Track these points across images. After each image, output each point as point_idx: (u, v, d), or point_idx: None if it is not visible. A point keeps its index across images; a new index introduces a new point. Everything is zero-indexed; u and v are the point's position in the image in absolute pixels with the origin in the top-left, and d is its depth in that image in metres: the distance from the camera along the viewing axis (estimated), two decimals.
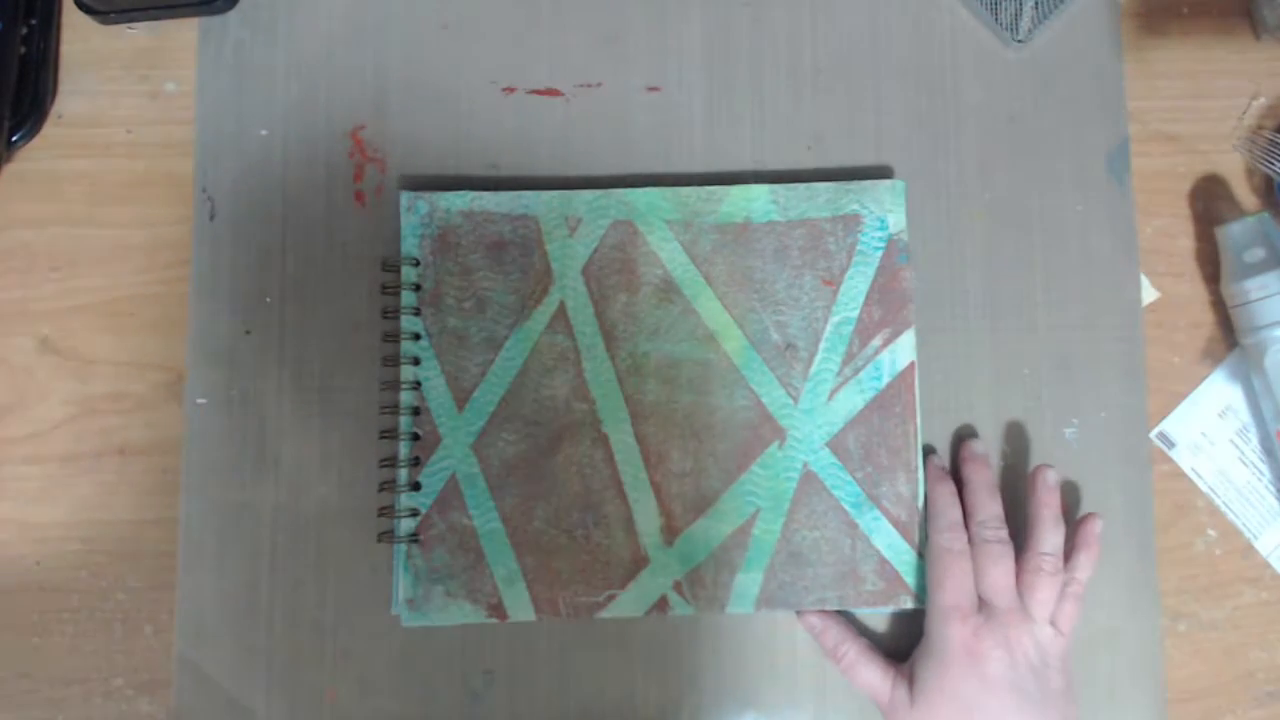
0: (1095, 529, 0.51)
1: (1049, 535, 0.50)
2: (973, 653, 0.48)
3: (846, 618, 0.53)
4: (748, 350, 0.54)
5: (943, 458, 0.54)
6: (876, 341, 0.54)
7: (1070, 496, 0.54)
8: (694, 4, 0.57)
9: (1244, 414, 0.56)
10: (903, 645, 0.53)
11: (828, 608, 0.53)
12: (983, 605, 0.49)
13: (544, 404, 0.54)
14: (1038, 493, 0.51)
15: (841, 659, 0.52)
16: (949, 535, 0.51)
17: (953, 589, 0.49)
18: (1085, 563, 0.51)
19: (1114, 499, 0.54)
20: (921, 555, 0.53)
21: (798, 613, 0.53)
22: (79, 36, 0.57)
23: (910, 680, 0.50)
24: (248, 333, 0.55)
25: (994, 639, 0.48)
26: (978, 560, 0.50)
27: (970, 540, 0.51)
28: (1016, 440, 0.55)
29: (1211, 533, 0.55)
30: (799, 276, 0.54)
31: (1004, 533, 0.51)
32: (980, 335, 0.55)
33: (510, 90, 0.57)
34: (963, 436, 0.54)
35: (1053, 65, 0.57)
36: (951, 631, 0.49)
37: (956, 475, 0.53)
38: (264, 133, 0.56)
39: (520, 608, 0.52)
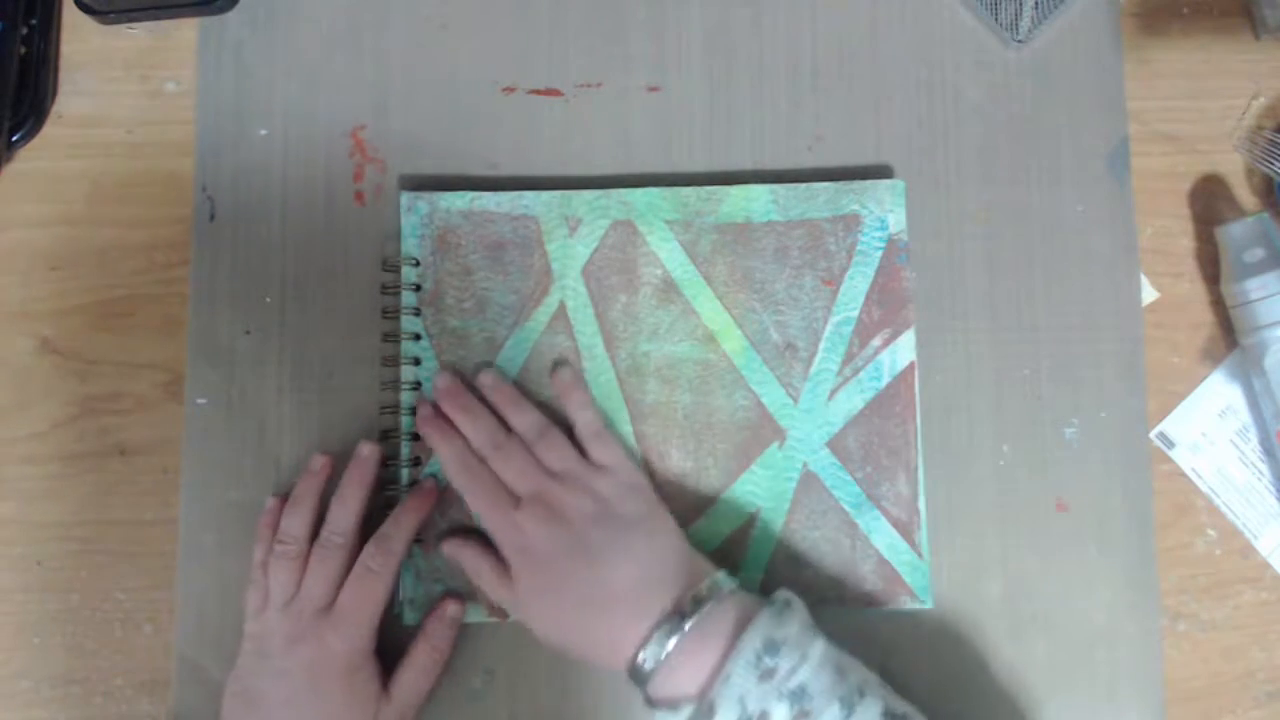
0: (562, 377, 0.53)
1: (517, 416, 0.52)
2: (523, 545, 0.49)
3: None
4: (748, 350, 0.54)
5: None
6: (876, 341, 0.54)
7: (1071, 496, 0.54)
8: (694, 4, 0.57)
9: (1244, 414, 0.56)
10: (903, 645, 0.53)
11: (827, 607, 0.52)
12: (521, 499, 0.50)
13: (544, 404, 0.54)
14: (487, 398, 0.52)
15: (477, 577, 0.51)
16: (456, 465, 0.51)
17: (481, 503, 0.50)
18: (574, 408, 0.52)
19: (1114, 499, 0.54)
20: (923, 558, 0.53)
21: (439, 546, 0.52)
22: (79, 36, 0.57)
23: (513, 594, 0.50)
24: (248, 333, 0.55)
25: (536, 520, 0.49)
26: (493, 469, 0.51)
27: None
28: (1016, 440, 0.55)
29: (1211, 533, 0.55)
30: (799, 276, 0.54)
31: (499, 435, 0.51)
32: (980, 335, 0.55)
33: (510, 90, 0.57)
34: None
35: (1053, 65, 0.57)
36: (501, 539, 0.50)
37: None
38: (264, 133, 0.56)
39: None
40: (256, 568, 0.51)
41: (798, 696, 0.43)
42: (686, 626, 0.45)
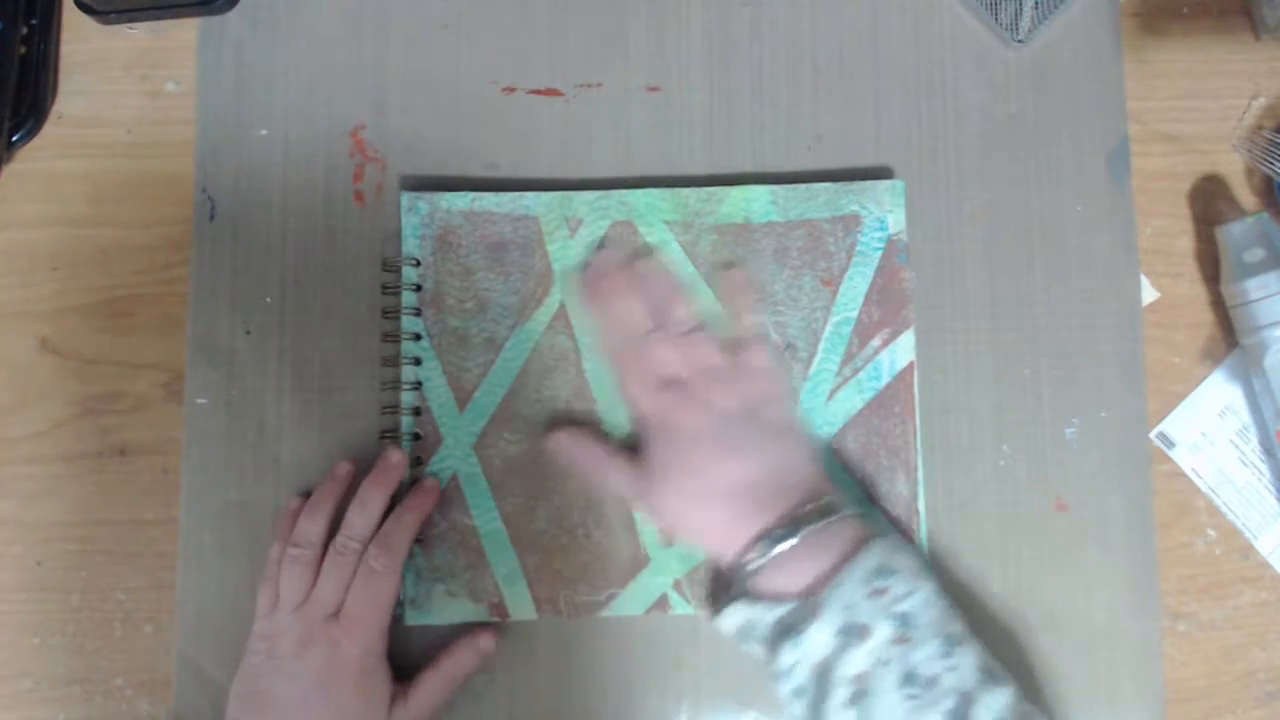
0: (734, 279, 0.54)
1: (671, 309, 0.52)
2: (665, 424, 0.50)
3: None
4: None
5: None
6: (876, 342, 0.54)
7: (1071, 497, 0.54)
8: (694, 4, 0.57)
9: (1244, 414, 0.56)
10: None
11: None
12: (668, 384, 0.50)
13: (545, 404, 0.54)
14: (646, 287, 0.53)
15: (588, 467, 0.52)
16: (609, 346, 0.53)
17: (629, 382, 0.52)
18: (738, 310, 0.53)
19: (1114, 499, 0.54)
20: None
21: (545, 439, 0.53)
22: (79, 36, 0.57)
23: (639, 472, 0.50)
24: (248, 333, 0.55)
25: (681, 404, 0.50)
26: (644, 354, 0.51)
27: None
28: (1016, 440, 0.55)
29: (1211, 533, 0.55)
30: (798, 277, 0.54)
31: (650, 323, 0.52)
32: (980, 335, 0.55)
33: (510, 90, 0.57)
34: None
35: (1053, 65, 0.57)
36: (643, 415, 0.51)
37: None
38: (264, 133, 0.56)
39: (521, 607, 0.52)
40: (271, 565, 0.51)
41: (902, 622, 0.44)
42: (805, 531, 0.46)
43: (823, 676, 0.44)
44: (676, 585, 0.53)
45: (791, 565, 0.46)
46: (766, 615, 0.46)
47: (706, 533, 0.49)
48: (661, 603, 0.53)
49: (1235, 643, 0.55)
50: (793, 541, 0.46)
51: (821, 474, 0.50)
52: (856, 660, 0.44)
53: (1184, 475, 0.56)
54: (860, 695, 0.44)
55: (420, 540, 0.52)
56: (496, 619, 0.52)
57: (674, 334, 0.52)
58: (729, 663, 0.53)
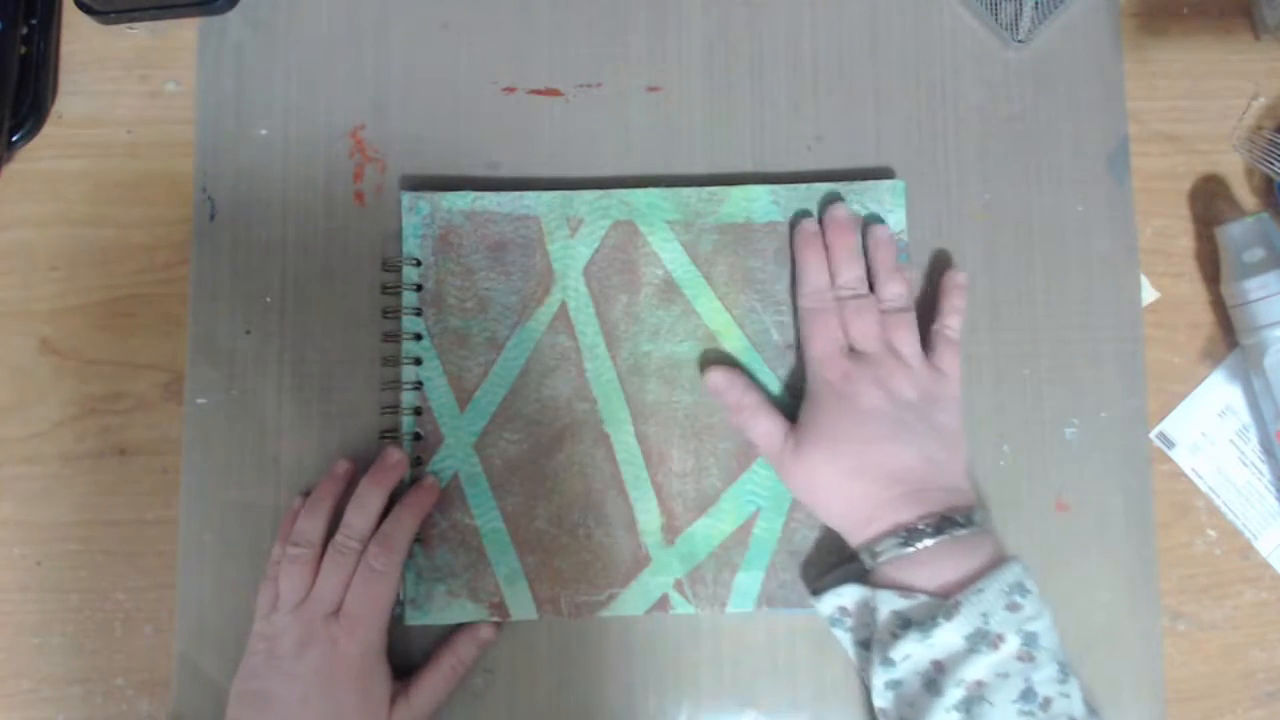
0: (955, 278, 0.54)
1: (889, 283, 0.53)
2: (844, 392, 0.50)
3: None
4: (749, 351, 0.54)
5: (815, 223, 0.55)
6: None
7: (1071, 496, 0.54)
8: (694, 4, 0.57)
9: (1244, 414, 0.56)
10: None
11: None
12: (855, 354, 0.51)
13: (546, 404, 0.54)
14: (870, 250, 0.53)
15: (742, 410, 0.52)
16: (815, 297, 0.52)
17: (820, 340, 0.51)
18: (949, 309, 0.53)
19: (1114, 499, 0.54)
20: None
21: (702, 373, 0.53)
22: (79, 36, 0.57)
23: (797, 430, 0.51)
24: (248, 333, 0.55)
25: (867, 379, 0.50)
26: (843, 315, 0.52)
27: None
28: (1016, 440, 0.55)
29: (1211, 533, 0.55)
30: None
31: (864, 289, 0.52)
32: (980, 335, 0.55)
33: (510, 90, 0.57)
34: (831, 202, 0.55)
35: (1053, 65, 0.57)
36: (824, 376, 0.51)
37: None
38: (264, 133, 0.56)
39: (522, 607, 0.52)
40: (272, 565, 0.51)
41: (1029, 640, 0.45)
42: (950, 534, 0.47)
43: (937, 676, 0.45)
44: (677, 585, 0.53)
45: (929, 563, 0.47)
46: (890, 604, 0.46)
47: (845, 508, 0.49)
48: (662, 603, 0.53)
49: (1235, 643, 0.55)
50: (936, 540, 0.47)
51: (970, 487, 0.50)
52: (979, 667, 0.45)
53: (1184, 475, 0.56)
54: (975, 702, 0.44)
55: (421, 540, 0.52)
56: (497, 619, 0.52)
57: (884, 308, 0.52)
58: (729, 663, 0.53)
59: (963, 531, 0.47)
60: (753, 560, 0.53)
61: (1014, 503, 0.54)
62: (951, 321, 0.53)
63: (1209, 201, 0.57)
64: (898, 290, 0.52)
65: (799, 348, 0.54)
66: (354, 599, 0.49)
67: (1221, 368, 0.56)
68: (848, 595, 0.48)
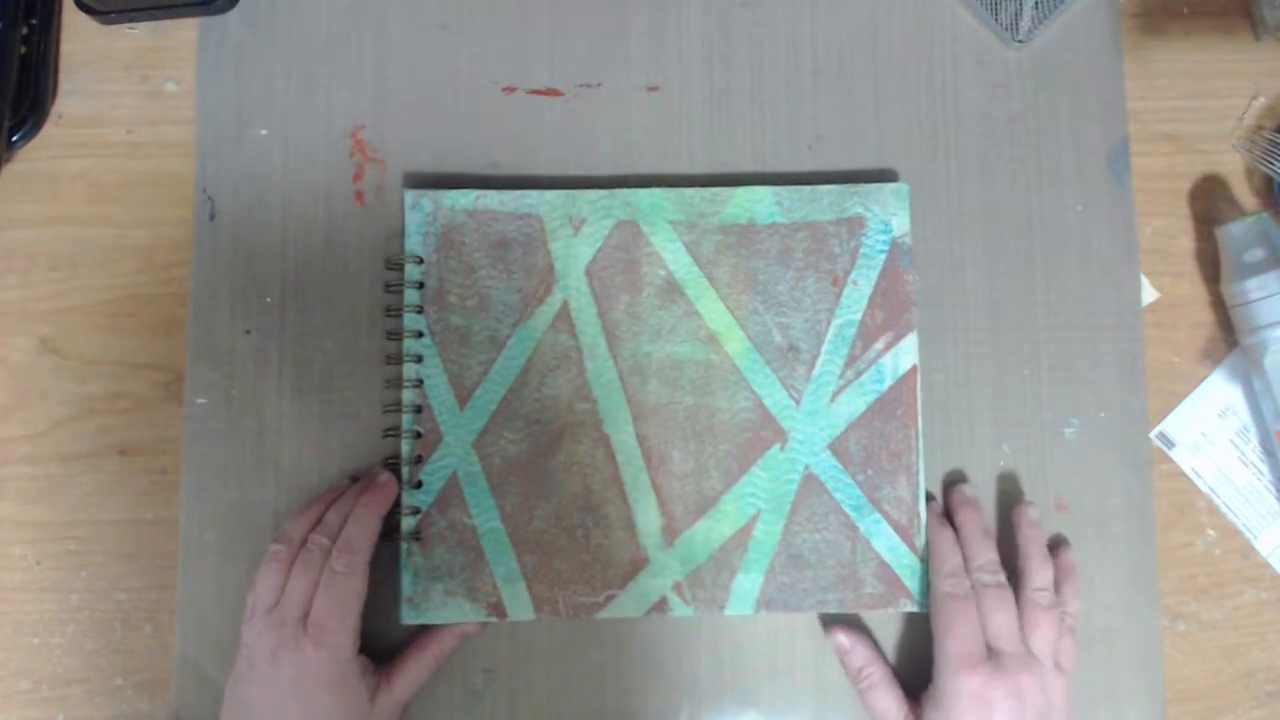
0: (1071, 559, 0.53)
1: (1039, 571, 0.51)
2: (983, 702, 0.48)
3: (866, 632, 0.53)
4: (750, 352, 0.54)
5: (940, 502, 0.54)
6: (879, 345, 0.54)
7: (1070, 496, 0.54)
8: (694, 4, 0.57)
9: (1244, 414, 0.56)
10: (902, 647, 0.53)
11: (827, 610, 0.53)
12: (990, 652, 0.49)
13: (546, 403, 0.54)
14: (1023, 530, 0.52)
15: (864, 680, 0.52)
16: (953, 581, 0.51)
17: (961, 635, 0.49)
18: (1071, 594, 0.52)
19: (1114, 499, 0.54)
20: (922, 560, 0.53)
21: (826, 629, 0.53)
22: (79, 36, 0.57)
23: (921, 713, 0.50)
24: (248, 333, 0.55)
25: (1004, 688, 0.48)
26: (981, 606, 0.50)
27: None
28: (1016, 440, 0.55)
29: (1211, 533, 0.55)
30: (802, 278, 0.54)
31: (1002, 577, 0.51)
32: (980, 335, 0.55)
33: (510, 90, 0.57)
34: (953, 482, 0.54)
35: (1053, 65, 0.57)
36: (963, 681, 0.48)
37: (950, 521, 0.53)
38: (264, 133, 0.56)
39: (520, 607, 0.52)
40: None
41: None
42: None
43: None
44: (676, 587, 0.53)
45: None
46: None
47: None
48: (661, 605, 0.53)
49: (1235, 643, 0.55)
50: None
51: None
52: None
53: (1184, 475, 0.56)
54: None
55: (419, 539, 0.52)
56: (495, 619, 0.52)
57: (1029, 597, 0.50)
58: (729, 663, 0.53)
59: None
60: (752, 563, 0.53)
61: (1014, 503, 0.54)
62: (1072, 608, 0.51)
63: (1209, 201, 0.57)
64: (1046, 580, 0.51)
65: (801, 350, 0.54)
66: (320, 604, 0.49)
67: (1221, 368, 0.56)
68: None
